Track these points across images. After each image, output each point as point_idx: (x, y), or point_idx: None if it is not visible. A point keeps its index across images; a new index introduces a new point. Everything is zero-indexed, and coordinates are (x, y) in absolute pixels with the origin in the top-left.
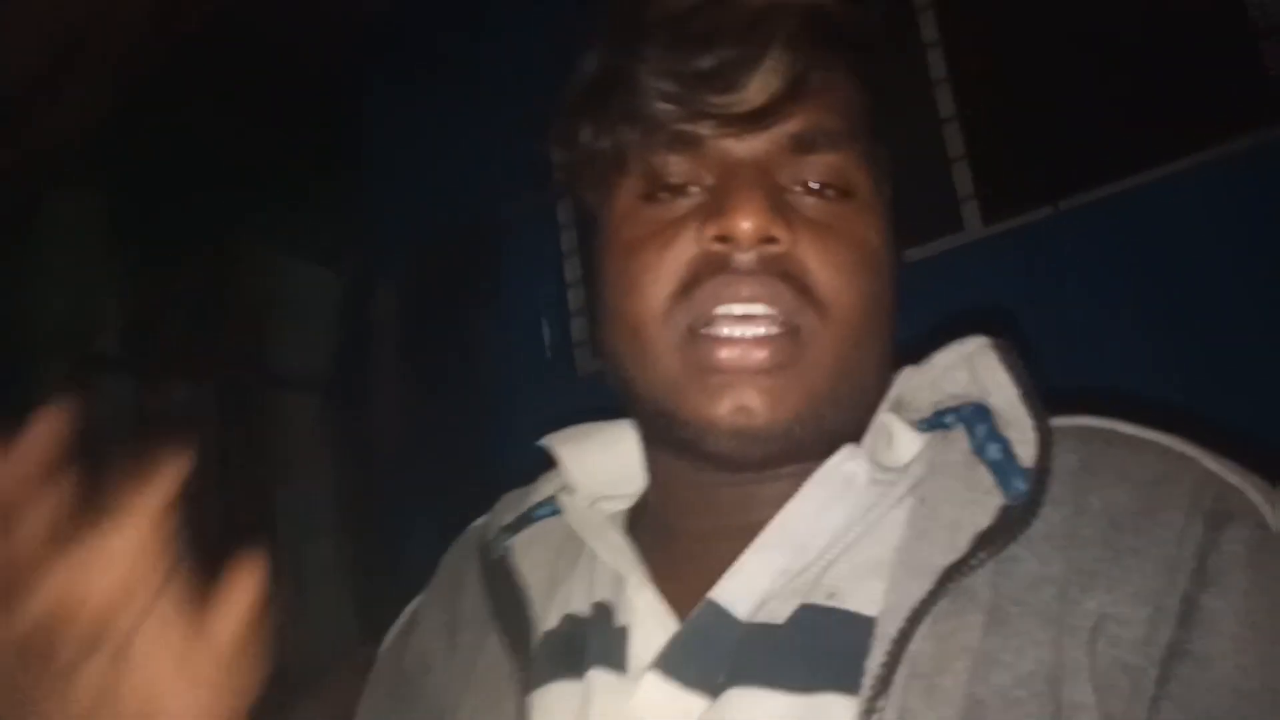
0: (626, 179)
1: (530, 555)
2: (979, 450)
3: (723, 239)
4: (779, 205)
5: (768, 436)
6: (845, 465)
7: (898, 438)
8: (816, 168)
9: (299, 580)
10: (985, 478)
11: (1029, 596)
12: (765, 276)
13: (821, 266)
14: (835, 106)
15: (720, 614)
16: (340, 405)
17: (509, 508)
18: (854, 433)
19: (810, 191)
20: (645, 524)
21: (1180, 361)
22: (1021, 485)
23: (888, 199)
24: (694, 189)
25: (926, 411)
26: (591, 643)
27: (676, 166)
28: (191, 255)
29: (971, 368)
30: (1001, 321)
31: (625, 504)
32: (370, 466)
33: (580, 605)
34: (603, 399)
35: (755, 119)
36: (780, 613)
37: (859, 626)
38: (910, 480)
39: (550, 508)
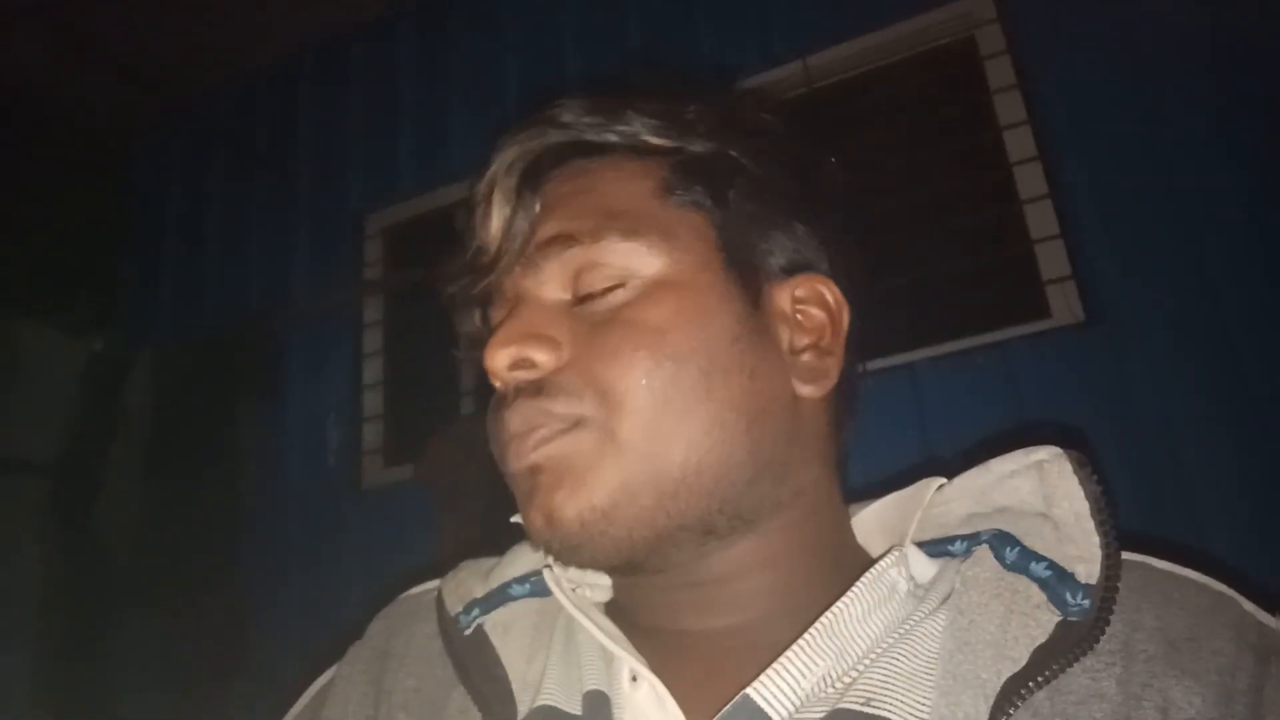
0: None
1: (509, 637)
2: (1016, 567)
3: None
4: (536, 327)
5: (588, 533)
6: (890, 572)
7: (913, 560)
8: (580, 271)
9: None
10: (1032, 593)
11: (1082, 713)
12: (524, 402)
13: (595, 361)
14: (581, 211)
15: (757, 714)
16: (66, 492)
17: (475, 580)
18: (735, 511)
19: (595, 295)
20: (620, 618)
21: None
22: (1084, 601)
23: (702, 263)
24: None
25: (953, 526)
26: None
27: (489, 324)
28: None
29: (1041, 476)
30: (1072, 436)
31: (603, 594)
32: (89, 568)
33: (562, 695)
34: (387, 513)
35: (495, 260)
36: (811, 718)
37: None
38: (941, 594)
39: (528, 586)
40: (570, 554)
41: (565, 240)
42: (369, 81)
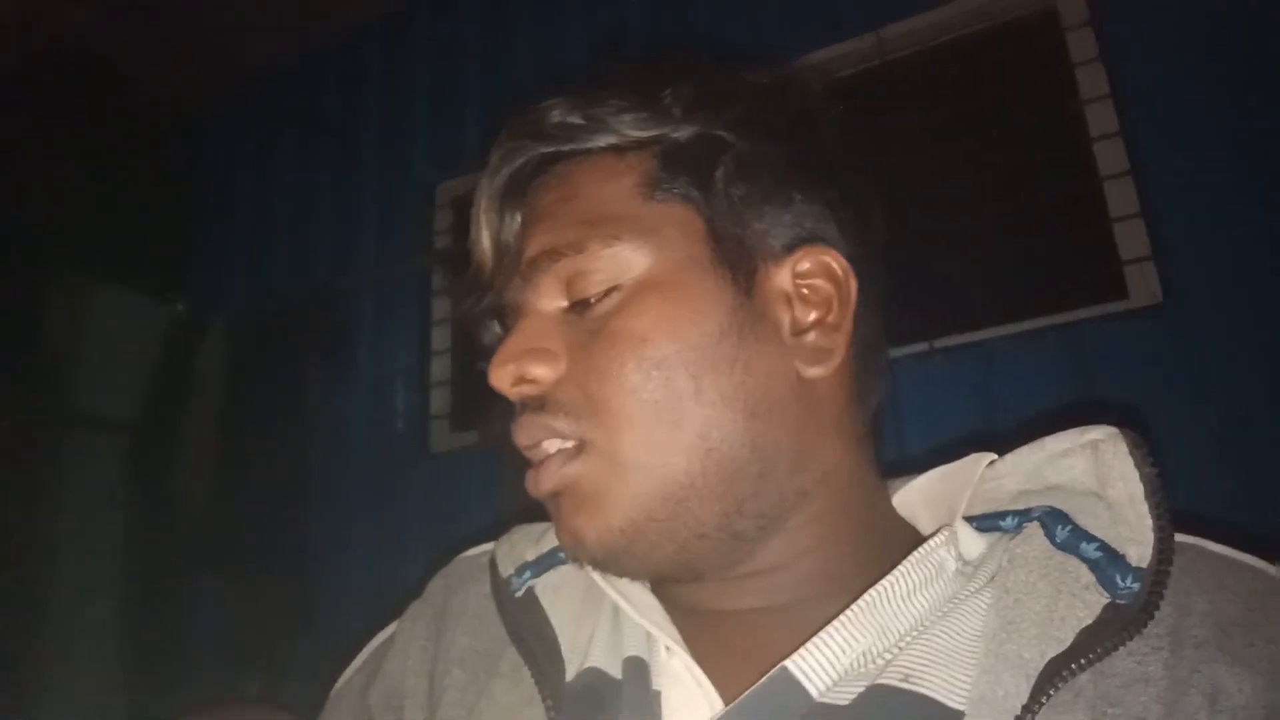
0: None
1: (558, 599)
2: (1065, 547)
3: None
4: (534, 341)
5: (611, 551)
6: (938, 551)
7: (962, 536)
8: (572, 279)
9: (68, 634)
10: (1082, 573)
11: (1126, 697)
12: (530, 416)
13: (589, 377)
14: (564, 221)
15: (793, 686)
16: (143, 452)
17: (527, 543)
18: (756, 510)
19: (589, 301)
20: (661, 592)
21: None
22: (1133, 584)
23: (688, 259)
24: None
25: (1004, 501)
26: (626, 700)
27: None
28: None
29: (1096, 456)
30: (1129, 416)
31: None
32: (168, 523)
33: (606, 659)
34: (454, 478)
35: (493, 276)
36: (846, 694)
37: (941, 715)
38: (989, 571)
39: None
40: (603, 569)
41: (551, 254)
42: (436, 51)
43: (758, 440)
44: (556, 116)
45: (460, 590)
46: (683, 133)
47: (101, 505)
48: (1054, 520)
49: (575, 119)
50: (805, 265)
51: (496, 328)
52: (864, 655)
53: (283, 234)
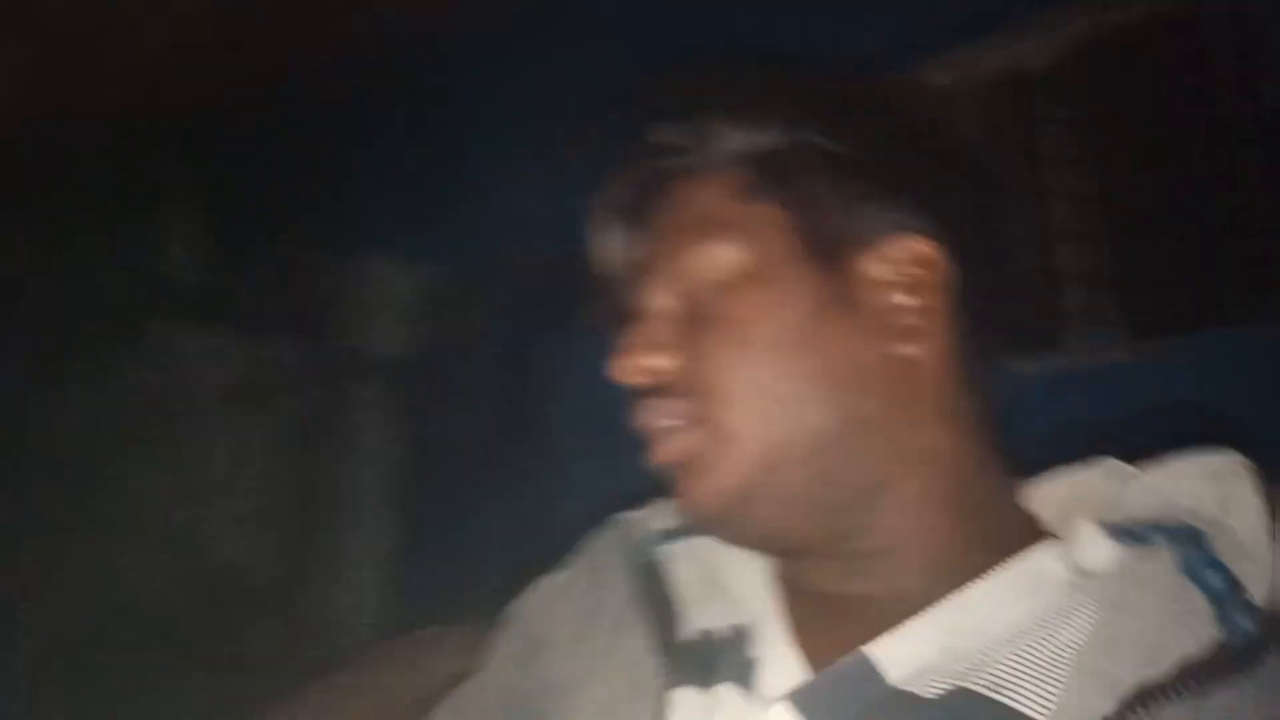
0: None
1: (683, 565)
2: (1190, 573)
3: None
4: (651, 339)
5: (719, 515)
6: (1043, 560)
7: (1089, 542)
8: (680, 280)
9: (340, 555)
10: (1199, 604)
11: None
12: (655, 400)
13: (699, 362)
14: (673, 229)
15: (868, 669)
16: (419, 398)
17: (663, 515)
18: (847, 480)
19: (697, 299)
20: (775, 568)
21: None
22: (1249, 624)
23: (783, 255)
24: None
25: (1135, 514)
26: (725, 661)
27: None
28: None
29: (1220, 485)
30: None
31: None
32: (436, 463)
33: (718, 623)
34: None
35: (617, 285)
36: (931, 689)
37: None
38: (1105, 585)
39: None
40: (714, 533)
41: (663, 259)
42: None
43: (846, 414)
44: (663, 136)
45: (610, 550)
46: (776, 138)
47: (382, 447)
48: (1186, 541)
49: (681, 139)
50: (896, 253)
51: (622, 329)
52: (951, 652)
53: (553, 218)
